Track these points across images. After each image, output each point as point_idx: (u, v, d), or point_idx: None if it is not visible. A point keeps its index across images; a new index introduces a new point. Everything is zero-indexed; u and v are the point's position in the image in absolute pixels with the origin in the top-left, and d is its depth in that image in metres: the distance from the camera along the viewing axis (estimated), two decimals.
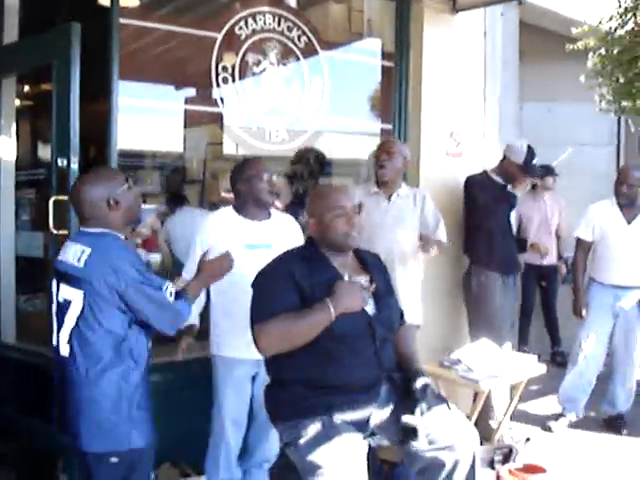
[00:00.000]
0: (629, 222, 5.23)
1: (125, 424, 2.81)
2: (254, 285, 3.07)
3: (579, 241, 5.45)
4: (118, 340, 2.79)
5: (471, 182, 5.04)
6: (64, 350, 2.83)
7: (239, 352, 3.72)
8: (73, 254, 2.81)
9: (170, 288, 2.86)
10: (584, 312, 5.34)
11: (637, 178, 5.16)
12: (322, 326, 2.87)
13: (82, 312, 2.78)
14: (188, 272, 3.78)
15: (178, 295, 2.90)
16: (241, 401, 3.85)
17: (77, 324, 2.79)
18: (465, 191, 5.06)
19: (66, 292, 2.83)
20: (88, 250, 2.79)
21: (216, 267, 3.17)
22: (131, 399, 2.82)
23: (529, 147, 4.90)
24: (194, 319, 3.81)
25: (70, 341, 2.81)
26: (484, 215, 4.91)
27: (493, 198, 4.91)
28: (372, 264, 3.25)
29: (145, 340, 2.91)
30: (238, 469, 3.96)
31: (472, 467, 3.03)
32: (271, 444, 3.90)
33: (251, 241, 3.76)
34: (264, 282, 3.05)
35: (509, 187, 4.91)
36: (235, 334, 3.73)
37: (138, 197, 3.02)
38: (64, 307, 2.82)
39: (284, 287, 2.94)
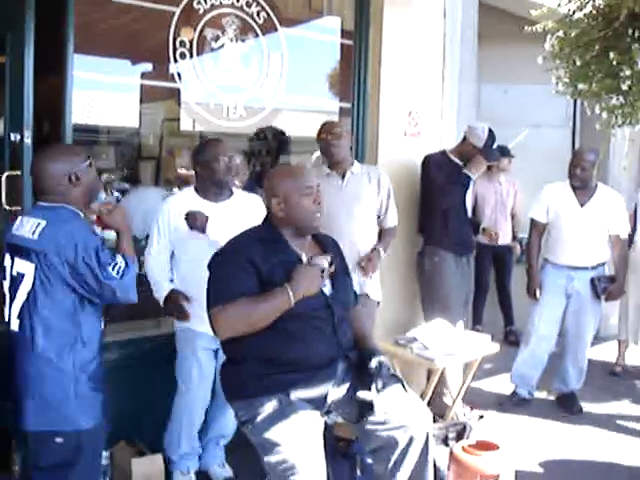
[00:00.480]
0: (582, 204, 5.30)
1: (71, 404, 2.78)
2: (210, 266, 3.06)
3: (533, 222, 5.51)
4: (67, 318, 2.77)
5: (429, 161, 5.06)
6: (14, 325, 2.81)
7: (199, 325, 3.72)
8: (29, 228, 2.79)
9: (120, 263, 2.82)
10: (538, 293, 5.41)
11: (591, 160, 5.22)
12: (281, 311, 2.88)
13: (33, 286, 2.76)
14: (151, 253, 3.87)
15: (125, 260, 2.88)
16: (205, 373, 3.85)
17: (28, 298, 2.77)
18: (422, 170, 5.08)
19: (20, 266, 2.80)
20: (43, 223, 2.77)
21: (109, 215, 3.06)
22: (78, 378, 2.79)
23: (490, 131, 4.93)
24: (169, 284, 3.86)
25: (20, 315, 2.79)
26: (439, 195, 4.94)
27: (449, 178, 4.94)
28: (329, 245, 3.26)
29: (97, 320, 2.88)
30: (199, 443, 3.97)
31: (426, 446, 3.08)
32: (227, 420, 3.91)
33: (211, 220, 3.76)
34: (222, 264, 3.03)
35: (465, 169, 4.94)
36: (194, 307, 3.74)
37: (97, 175, 2.99)
38: (17, 281, 2.80)
39: (242, 270, 2.93)
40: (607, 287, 5.32)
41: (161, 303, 3.85)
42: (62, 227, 2.75)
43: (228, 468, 4.10)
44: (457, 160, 5.03)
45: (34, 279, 2.75)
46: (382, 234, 4.67)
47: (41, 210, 2.86)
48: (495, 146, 5.04)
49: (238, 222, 3.61)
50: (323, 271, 2.98)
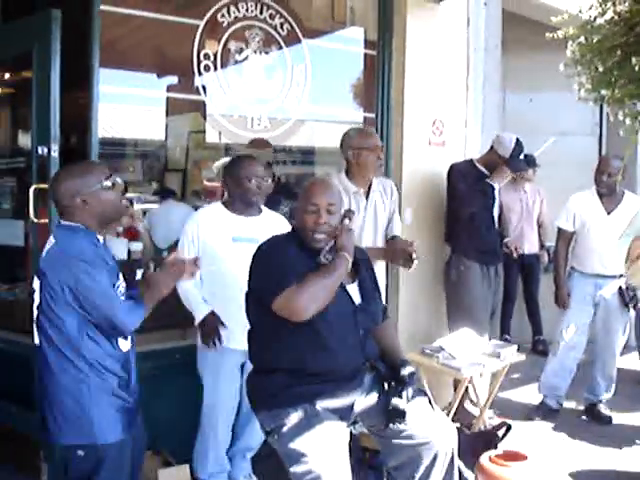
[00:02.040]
0: (609, 212, 5.26)
1: (89, 418, 2.76)
2: (258, 261, 3.05)
3: (560, 231, 5.47)
4: (73, 334, 2.73)
5: (454, 170, 5.05)
6: (35, 339, 2.82)
7: (227, 341, 3.73)
8: (47, 245, 2.80)
9: (118, 288, 2.81)
10: (566, 302, 5.36)
11: (617, 167, 5.18)
12: (344, 276, 2.99)
13: (40, 303, 2.76)
14: None
15: (133, 299, 2.85)
16: (231, 392, 3.86)
17: (38, 314, 2.78)
18: (448, 178, 5.06)
19: (35, 281, 2.81)
20: (53, 242, 2.77)
21: (168, 273, 3.01)
22: (94, 394, 2.77)
23: (517, 141, 4.92)
24: (207, 306, 3.81)
25: (38, 330, 2.81)
26: (465, 204, 4.92)
27: (474, 187, 4.92)
28: (360, 258, 3.24)
29: (105, 342, 2.82)
30: (227, 461, 3.97)
31: (451, 463, 3.07)
32: (254, 433, 3.90)
33: (238, 234, 3.78)
34: (271, 255, 3.04)
35: (488, 178, 4.92)
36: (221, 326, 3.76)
37: (117, 197, 2.90)
38: (33, 295, 2.81)
39: (292, 259, 2.98)
40: (635, 295, 5.27)
41: (196, 323, 3.83)
42: (66, 250, 2.73)
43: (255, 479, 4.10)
44: (483, 169, 5.01)
45: (40, 296, 2.76)
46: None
47: (57, 228, 2.87)
48: (522, 156, 5.02)
49: (264, 237, 3.63)
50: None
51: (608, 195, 5.26)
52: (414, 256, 4.22)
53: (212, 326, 3.77)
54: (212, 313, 3.79)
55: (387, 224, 4.55)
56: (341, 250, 2.98)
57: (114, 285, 2.80)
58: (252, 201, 3.85)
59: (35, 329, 2.80)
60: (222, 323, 3.78)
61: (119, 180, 2.91)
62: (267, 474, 4.04)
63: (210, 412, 3.88)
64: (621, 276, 5.24)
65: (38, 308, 2.77)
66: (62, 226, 2.84)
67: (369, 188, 4.45)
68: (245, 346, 3.28)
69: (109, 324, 2.75)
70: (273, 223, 3.93)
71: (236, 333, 3.68)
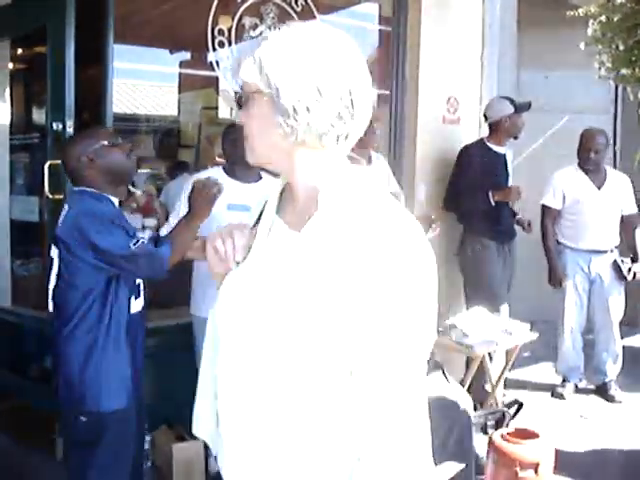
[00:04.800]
0: (599, 187, 5.26)
1: (95, 384, 2.79)
2: None
3: (546, 208, 5.40)
4: (91, 299, 2.77)
5: (468, 151, 5.04)
6: (50, 307, 2.86)
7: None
8: (62, 213, 2.84)
9: (142, 239, 2.78)
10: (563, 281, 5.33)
11: (603, 143, 5.20)
12: None
13: (59, 270, 2.80)
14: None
15: (159, 241, 2.86)
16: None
17: (56, 282, 2.82)
18: (461, 159, 5.05)
19: (52, 250, 2.86)
20: (67, 208, 2.82)
21: (199, 197, 3.03)
22: (101, 360, 2.79)
23: (506, 97, 4.98)
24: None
25: (53, 298, 2.84)
26: (480, 184, 4.90)
27: (489, 168, 4.91)
28: None
29: (123, 304, 2.87)
30: None
31: (467, 433, 3.07)
32: None
33: (233, 201, 3.75)
34: None
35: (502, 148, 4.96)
36: (209, 295, 3.75)
37: (125, 157, 2.95)
38: (50, 265, 2.86)
39: None
40: (631, 268, 5.27)
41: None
42: (79, 211, 2.78)
43: None
44: (493, 146, 5.00)
45: (59, 263, 2.80)
46: None
47: (70, 195, 2.95)
48: (519, 102, 5.08)
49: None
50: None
51: (593, 171, 5.25)
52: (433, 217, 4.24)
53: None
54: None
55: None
56: None
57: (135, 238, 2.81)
58: (248, 165, 3.78)
59: (51, 297, 2.84)
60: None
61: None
62: None
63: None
64: (611, 250, 5.25)
65: (57, 276, 2.80)
66: (75, 191, 2.89)
67: (370, 160, 4.45)
68: None
69: (133, 268, 2.78)
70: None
71: None
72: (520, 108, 4.99)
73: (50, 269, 2.85)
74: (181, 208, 3.71)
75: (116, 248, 2.72)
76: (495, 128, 5.05)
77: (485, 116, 5.12)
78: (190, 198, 3.03)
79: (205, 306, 3.82)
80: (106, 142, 2.87)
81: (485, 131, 5.30)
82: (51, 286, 2.86)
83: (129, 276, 2.85)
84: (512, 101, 5.01)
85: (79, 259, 2.73)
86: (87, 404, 2.80)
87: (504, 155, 5.05)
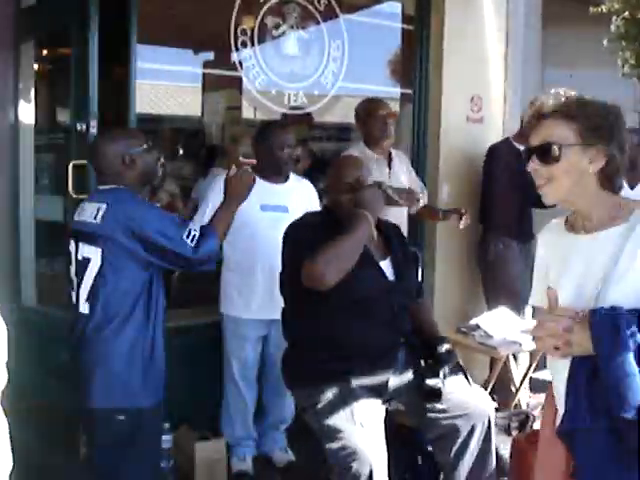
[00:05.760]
0: (632, 187, 5.19)
1: (136, 382, 2.81)
2: (289, 240, 3.05)
3: None
4: (135, 298, 2.79)
5: (494, 151, 4.99)
6: (83, 308, 2.85)
7: (247, 313, 3.78)
8: (90, 213, 2.82)
9: (194, 231, 2.78)
10: None
11: (636, 142, 5.12)
12: (366, 234, 2.89)
13: (100, 269, 2.79)
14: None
15: (203, 230, 2.84)
16: (248, 359, 3.88)
17: (95, 281, 2.81)
18: (488, 159, 5.01)
19: (85, 250, 2.84)
20: (104, 206, 2.79)
21: (238, 182, 3.00)
22: (144, 357, 2.82)
23: None
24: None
25: (89, 299, 2.84)
26: (506, 184, 4.86)
27: (516, 166, 4.87)
28: (390, 232, 3.24)
29: (162, 299, 2.90)
30: (254, 426, 4.00)
31: (488, 434, 3.05)
32: (286, 405, 3.94)
33: (266, 202, 3.77)
34: (301, 234, 3.04)
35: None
36: (244, 294, 3.80)
37: (157, 160, 2.99)
38: (84, 265, 2.84)
39: (323, 236, 2.92)
40: None
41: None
42: (123, 207, 2.77)
43: (291, 453, 4.12)
44: (520, 146, 4.96)
45: (102, 262, 2.79)
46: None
47: (100, 194, 2.90)
48: None
49: (296, 204, 3.64)
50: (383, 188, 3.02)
51: (630, 170, 5.17)
52: (418, 197, 4.18)
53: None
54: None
55: None
56: (360, 206, 2.93)
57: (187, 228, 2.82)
58: (283, 169, 3.83)
59: (85, 298, 2.84)
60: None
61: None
62: (302, 449, 4.06)
63: (228, 380, 3.92)
64: None
65: (96, 276, 2.80)
66: (104, 190, 2.89)
67: (390, 157, 4.42)
68: (269, 316, 3.45)
69: (180, 254, 2.76)
70: (301, 190, 3.93)
71: (260, 302, 3.75)
72: None
73: (84, 269, 2.86)
74: (208, 206, 3.73)
75: (175, 245, 2.73)
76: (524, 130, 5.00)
77: (522, 118, 5.04)
78: (226, 186, 2.99)
79: (237, 306, 3.84)
80: (146, 145, 2.91)
81: (509, 130, 5.26)
82: (86, 286, 2.85)
83: (182, 269, 2.85)
84: None
85: (127, 256, 2.75)
86: (128, 401, 2.81)
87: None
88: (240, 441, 3.96)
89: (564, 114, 1.96)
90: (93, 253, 2.81)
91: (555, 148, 1.93)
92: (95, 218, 2.80)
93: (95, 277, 2.81)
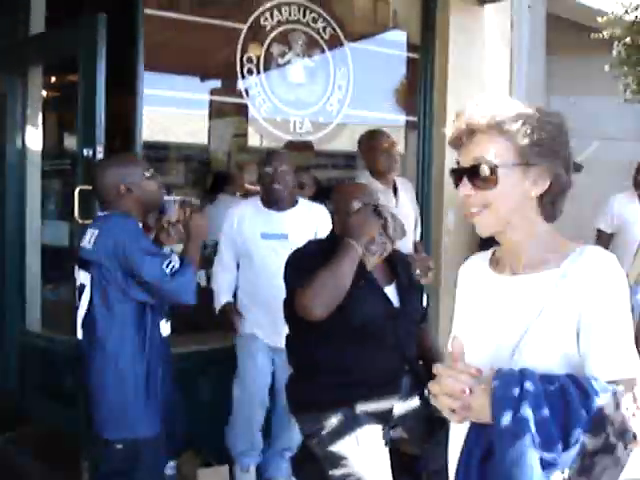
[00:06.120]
0: None
1: (131, 412, 2.80)
2: (290, 267, 3.05)
3: (599, 232, 5.39)
4: (126, 327, 2.79)
5: None
6: (79, 333, 2.86)
7: (258, 331, 3.82)
8: (87, 239, 2.85)
9: (174, 262, 2.78)
10: None
11: None
12: (354, 262, 2.84)
13: (92, 296, 2.80)
14: (222, 262, 3.97)
15: (182, 263, 2.82)
16: (261, 375, 3.88)
17: (88, 308, 2.82)
18: None
19: (81, 276, 2.87)
20: (97, 231, 2.82)
21: (191, 224, 3.01)
22: (138, 387, 2.81)
23: None
24: (226, 296, 3.92)
25: (84, 325, 2.84)
26: None
27: None
28: (397, 260, 3.23)
29: (156, 329, 2.90)
30: (260, 442, 3.97)
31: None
32: (292, 432, 3.91)
33: (266, 230, 3.80)
34: (303, 261, 3.02)
35: None
36: (253, 312, 3.85)
37: (158, 188, 3.00)
38: (80, 291, 2.87)
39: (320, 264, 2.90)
40: None
41: (216, 312, 3.93)
42: (112, 232, 2.78)
43: None
44: None
45: (91, 289, 2.80)
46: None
47: (98, 219, 2.94)
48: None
49: (299, 231, 3.65)
50: (379, 213, 2.95)
51: None
52: (431, 266, 4.13)
53: (228, 317, 3.88)
54: (229, 303, 3.91)
55: (414, 224, 4.50)
56: (349, 232, 2.90)
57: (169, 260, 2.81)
58: (277, 195, 3.84)
59: (81, 325, 2.84)
60: (239, 313, 3.89)
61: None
62: (306, 477, 4.03)
63: (238, 395, 3.90)
64: None
65: (89, 303, 2.80)
66: (102, 216, 2.92)
67: (395, 187, 4.43)
68: (274, 343, 3.47)
69: (162, 290, 2.76)
70: (308, 215, 3.93)
71: (265, 329, 3.78)
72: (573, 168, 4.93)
73: (80, 295, 2.86)
74: (221, 241, 3.96)
75: (153, 275, 2.73)
76: None
77: None
78: (185, 229, 3.04)
79: (251, 325, 3.86)
80: (146, 173, 2.93)
81: None
82: (81, 312, 2.86)
83: (162, 302, 2.86)
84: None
85: (115, 282, 2.75)
86: (125, 431, 2.80)
87: None
88: (244, 451, 3.93)
89: (499, 128, 1.64)
90: (86, 279, 2.83)
91: (490, 169, 1.61)
92: (89, 243, 2.82)
93: (88, 303, 2.82)
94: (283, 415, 3.76)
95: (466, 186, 1.67)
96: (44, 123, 4.54)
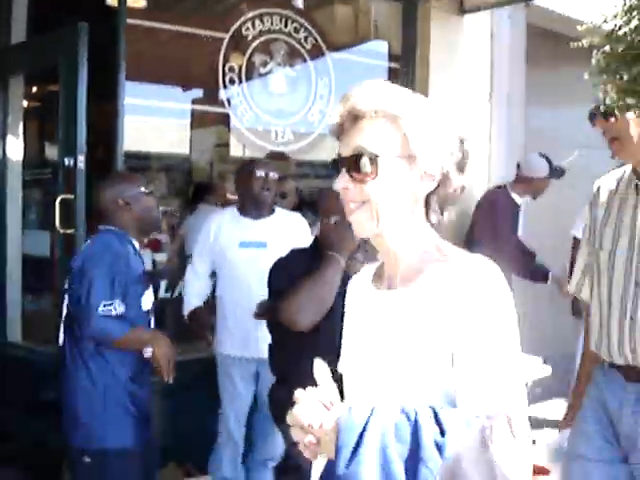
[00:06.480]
0: None
1: (99, 423, 2.78)
2: (272, 277, 3.03)
3: (575, 240, 5.38)
4: (87, 345, 2.79)
5: (498, 207, 5.03)
6: (61, 340, 2.86)
7: (234, 350, 3.79)
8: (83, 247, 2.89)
9: (117, 308, 2.76)
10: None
11: None
12: (337, 273, 2.80)
13: (70, 302, 2.82)
14: (193, 269, 3.95)
15: (121, 319, 2.80)
16: (240, 398, 3.86)
17: (66, 316, 2.84)
18: (487, 209, 5.04)
19: (66, 283, 2.87)
20: (88, 243, 2.86)
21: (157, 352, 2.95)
22: (108, 398, 2.80)
23: (544, 157, 4.96)
24: (197, 302, 3.91)
25: (64, 332, 2.84)
26: (506, 238, 4.88)
27: (513, 219, 4.95)
28: None
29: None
30: (242, 467, 3.96)
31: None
32: (275, 442, 3.90)
33: (245, 239, 3.79)
34: (285, 270, 3.00)
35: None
36: (230, 332, 3.82)
37: (155, 205, 3.03)
38: (63, 296, 2.88)
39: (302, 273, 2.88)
40: None
41: (185, 317, 3.93)
42: (91, 247, 2.83)
43: None
44: (516, 196, 5.03)
45: (68, 297, 2.81)
46: None
47: (97, 232, 2.96)
48: (555, 166, 5.08)
49: (277, 240, 3.65)
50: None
51: None
52: None
53: (199, 321, 3.90)
54: (200, 308, 3.90)
55: None
56: (328, 249, 2.88)
57: (139, 293, 2.83)
58: (258, 198, 3.83)
59: (62, 330, 2.84)
60: (209, 315, 3.90)
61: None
62: None
63: (223, 420, 3.89)
64: None
65: (68, 307, 2.81)
66: (98, 230, 2.94)
67: None
68: (257, 354, 3.43)
69: (84, 320, 2.74)
70: (285, 224, 3.93)
71: (245, 340, 3.74)
72: (553, 173, 5.03)
73: (62, 301, 2.87)
74: (195, 250, 3.97)
75: (87, 302, 2.70)
76: (522, 181, 5.05)
77: (518, 165, 5.10)
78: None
79: (225, 343, 3.83)
80: (143, 189, 2.95)
81: (494, 172, 5.31)
82: (63, 320, 2.87)
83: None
84: (548, 160, 5.01)
85: (83, 289, 2.74)
86: (93, 442, 2.78)
87: (520, 205, 5.07)
88: (227, 478, 3.92)
89: (384, 113, 1.43)
90: (66, 287, 2.84)
91: (370, 159, 1.41)
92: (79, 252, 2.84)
93: (67, 312, 2.83)
94: (267, 423, 3.74)
95: (344, 177, 1.45)
96: (25, 132, 4.51)
